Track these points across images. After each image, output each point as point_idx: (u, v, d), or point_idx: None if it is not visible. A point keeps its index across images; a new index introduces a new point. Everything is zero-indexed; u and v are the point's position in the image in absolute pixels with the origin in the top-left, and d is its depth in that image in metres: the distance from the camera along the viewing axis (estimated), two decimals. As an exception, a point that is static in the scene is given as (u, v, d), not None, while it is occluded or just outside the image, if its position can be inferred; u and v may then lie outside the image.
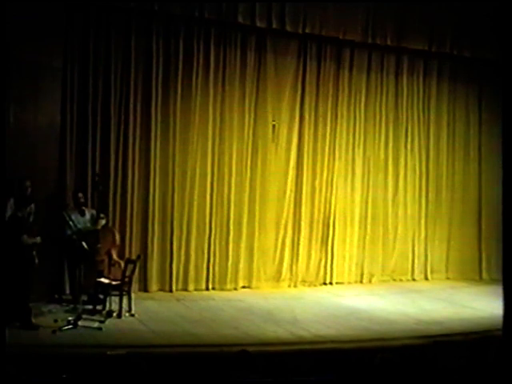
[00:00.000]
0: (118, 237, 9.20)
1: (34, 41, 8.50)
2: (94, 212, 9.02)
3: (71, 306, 8.47)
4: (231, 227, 10.51)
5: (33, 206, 8.01)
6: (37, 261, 7.63)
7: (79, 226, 8.69)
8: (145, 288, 9.85)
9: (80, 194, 9.06)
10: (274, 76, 10.86)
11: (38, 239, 7.69)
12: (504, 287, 4.44)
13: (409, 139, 11.94)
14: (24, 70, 8.52)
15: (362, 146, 11.54)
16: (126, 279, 8.42)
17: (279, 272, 10.93)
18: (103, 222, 8.93)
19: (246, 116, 10.66)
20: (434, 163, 12.16)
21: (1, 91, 7.30)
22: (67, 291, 9.06)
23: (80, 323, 7.62)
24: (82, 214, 8.99)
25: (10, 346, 5.55)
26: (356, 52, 11.39)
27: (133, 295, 8.57)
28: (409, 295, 10.62)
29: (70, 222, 8.59)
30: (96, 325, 7.72)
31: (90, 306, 8.34)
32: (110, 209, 9.57)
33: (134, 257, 9.08)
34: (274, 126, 10.84)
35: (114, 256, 8.85)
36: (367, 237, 11.57)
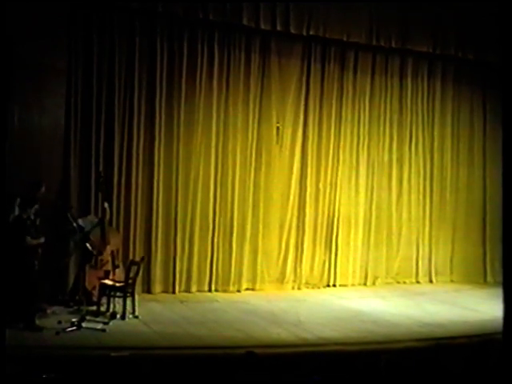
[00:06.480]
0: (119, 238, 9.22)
1: (36, 42, 8.50)
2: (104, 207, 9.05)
3: (75, 307, 8.49)
4: (235, 229, 10.49)
5: (37, 206, 8.02)
6: (37, 264, 7.62)
7: (83, 228, 8.70)
8: (148, 290, 9.84)
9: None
10: (278, 78, 10.85)
11: (42, 239, 7.69)
12: (504, 289, 4.42)
13: (413, 141, 11.92)
14: (28, 72, 8.52)
15: (366, 148, 11.53)
16: (130, 281, 8.42)
17: (283, 274, 10.91)
18: (105, 205, 8.98)
19: (250, 118, 10.65)
20: (438, 165, 12.14)
21: (5, 92, 7.29)
22: (71, 293, 9.06)
23: (84, 325, 7.62)
24: (87, 215, 8.99)
25: (13, 347, 5.56)
26: (360, 54, 11.37)
27: (136, 297, 8.57)
28: (413, 298, 10.60)
29: (74, 224, 8.62)
30: (100, 326, 7.72)
31: (94, 308, 8.34)
32: (114, 210, 9.56)
33: (137, 258, 9.09)
34: (278, 128, 10.83)
35: (106, 254, 8.83)
36: (371, 239, 11.55)
